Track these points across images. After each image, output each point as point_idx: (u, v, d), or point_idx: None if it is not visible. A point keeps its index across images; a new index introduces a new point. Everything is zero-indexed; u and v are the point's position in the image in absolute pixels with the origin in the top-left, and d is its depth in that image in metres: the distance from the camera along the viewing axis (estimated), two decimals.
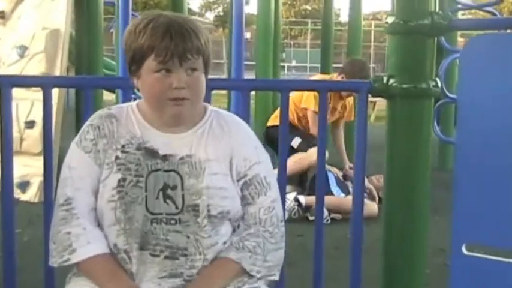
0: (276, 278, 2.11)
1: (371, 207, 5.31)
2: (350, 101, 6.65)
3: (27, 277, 3.37)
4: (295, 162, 5.77)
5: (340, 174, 6.14)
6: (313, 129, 6.07)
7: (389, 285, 2.73)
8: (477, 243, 2.16)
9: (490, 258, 2.11)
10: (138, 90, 2.05)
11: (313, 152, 5.79)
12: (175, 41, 1.91)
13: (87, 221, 2.01)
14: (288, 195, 5.26)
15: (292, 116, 6.10)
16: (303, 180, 6.00)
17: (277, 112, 6.24)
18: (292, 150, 5.82)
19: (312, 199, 5.38)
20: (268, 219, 2.07)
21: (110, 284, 1.94)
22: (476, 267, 2.13)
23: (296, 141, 6.04)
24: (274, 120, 6.13)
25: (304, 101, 6.12)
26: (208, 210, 1.97)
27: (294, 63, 39.49)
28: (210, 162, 2.01)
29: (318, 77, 7.20)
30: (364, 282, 2.75)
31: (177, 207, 1.97)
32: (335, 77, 6.45)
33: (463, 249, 2.15)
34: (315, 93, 5.94)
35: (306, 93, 6.05)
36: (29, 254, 3.47)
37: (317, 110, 6.03)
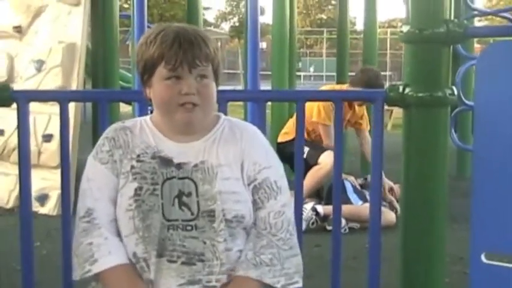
0: (299, 285, 2.10)
1: (388, 216, 5.28)
2: (361, 109, 6.59)
3: None
4: (311, 178, 5.72)
5: (357, 182, 6.10)
6: (327, 142, 6.02)
7: None
8: (496, 251, 2.14)
9: (509, 267, 2.10)
10: (151, 101, 2.07)
11: (325, 162, 5.79)
12: (183, 48, 1.96)
13: (108, 230, 2.04)
14: (305, 205, 5.26)
15: None
16: (319, 190, 5.98)
17: (287, 128, 6.23)
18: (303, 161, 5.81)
19: (329, 208, 5.35)
20: (278, 224, 2.07)
21: None
22: (495, 276, 2.11)
23: (304, 151, 5.91)
24: (284, 136, 6.09)
25: (315, 115, 6.03)
26: (224, 215, 1.99)
27: (311, 72, 39.43)
28: (222, 167, 2.03)
29: (328, 87, 7.16)
30: None
31: (192, 214, 1.99)
32: (346, 87, 6.38)
33: (483, 258, 2.13)
34: (323, 105, 5.95)
35: (315, 107, 5.99)
36: (47, 268, 3.49)
37: (326, 122, 5.99)
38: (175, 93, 1.97)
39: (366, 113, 6.73)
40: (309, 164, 5.70)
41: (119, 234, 2.06)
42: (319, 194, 5.95)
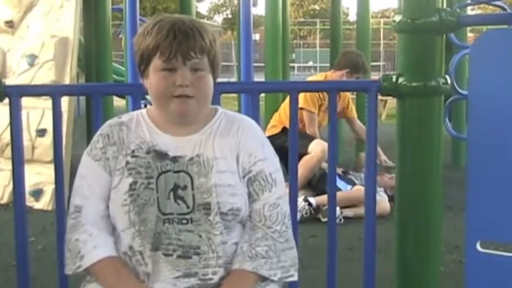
0: (295, 278, 2.11)
1: (382, 204, 5.29)
2: (346, 97, 6.57)
3: (41, 285, 3.39)
4: (303, 167, 5.65)
5: (340, 170, 6.08)
6: (310, 129, 6.05)
7: (403, 284, 2.71)
8: (491, 240, 2.14)
9: (504, 255, 2.10)
10: (147, 90, 2.08)
11: (315, 150, 5.77)
12: (178, 39, 1.96)
13: (94, 227, 2.05)
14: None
15: (286, 119, 6.04)
16: (311, 180, 5.96)
17: (274, 121, 6.21)
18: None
19: (321, 199, 5.39)
20: (273, 216, 2.07)
21: (119, 283, 1.97)
22: (491, 264, 2.11)
23: None
24: (272, 130, 6.06)
25: (301, 101, 6.02)
26: (219, 208, 1.99)
27: (311, 63, 39.33)
28: (218, 160, 2.04)
29: (314, 77, 7.12)
30: (378, 281, 2.73)
31: (188, 207, 1.99)
32: (330, 74, 6.36)
33: (478, 246, 2.13)
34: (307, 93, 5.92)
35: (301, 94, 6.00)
36: (43, 263, 3.49)
37: (311, 109, 5.95)
38: (169, 85, 1.97)
39: (351, 101, 6.73)
40: (299, 154, 5.67)
41: (110, 230, 2.07)
42: (311, 184, 5.95)
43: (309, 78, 6.79)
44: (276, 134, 5.86)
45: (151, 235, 1.99)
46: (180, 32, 1.96)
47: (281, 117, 6.04)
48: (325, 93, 5.93)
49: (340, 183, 5.72)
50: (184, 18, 2.03)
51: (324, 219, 5.16)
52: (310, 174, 5.82)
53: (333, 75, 6.23)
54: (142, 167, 2.02)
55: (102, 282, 2.00)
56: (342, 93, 6.30)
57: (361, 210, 5.34)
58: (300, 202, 5.33)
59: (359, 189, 5.70)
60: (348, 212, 5.39)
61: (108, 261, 2.00)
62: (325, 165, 5.88)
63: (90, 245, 2.01)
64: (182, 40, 1.96)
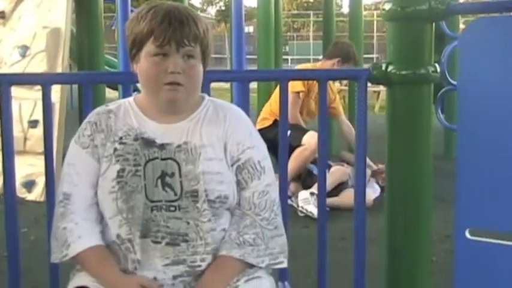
0: (284, 265, 2.12)
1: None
2: (333, 92, 6.51)
3: (33, 277, 3.39)
4: (296, 159, 5.70)
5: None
6: (291, 112, 5.75)
7: (394, 274, 2.72)
8: (480, 228, 2.15)
9: (493, 242, 2.11)
10: (137, 76, 2.07)
11: (309, 142, 5.76)
12: (173, 26, 1.96)
13: (81, 216, 2.05)
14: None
15: (277, 110, 5.98)
16: (301, 173, 5.95)
17: (264, 113, 6.18)
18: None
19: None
20: (262, 203, 2.07)
21: (102, 273, 1.99)
22: (479, 252, 2.12)
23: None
24: (262, 122, 6.02)
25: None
26: (207, 195, 1.99)
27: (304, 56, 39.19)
28: (205, 147, 2.04)
29: (303, 66, 7.08)
30: (369, 271, 2.74)
31: (175, 194, 1.99)
32: (321, 64, 6.34)
33: (467, 234, 2.14)
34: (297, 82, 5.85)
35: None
36: (35, 253, 3.49)
37: (296, 90, 5.87)
38: (161, 71, 1.97)
39: (337, 97, 6.70)
40: (292, 146, 5.63)
41: (97, 218, 2.07)
42: (300, 177, 5.94)
43: (298, 67, 6.73)
44: (268, 126, 5.84)
45: (140, 222, 1.99)
46: (175, 19, 1.96)
47: (272, 109, 6.01)
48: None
49: (314, 170, 5.71)
50: (179, 6, 2.04)
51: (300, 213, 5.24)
52: (301, 167, 5.82)
53: (324, 65, 6.23)
54: (130, 154, 2.02)
55: (88, 271, 2.02)
56: (329, 87, 6.24)
57: (342, 200, 5.41)
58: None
59: (336, 171, 5.72)
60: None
61: (92, 251, 2.01)
62: (309, 165, 5.90)
63: (75, 234, 2.02)
64: (177, 27, 1.96)
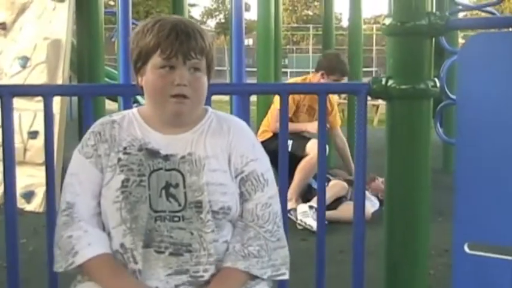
0: (286, 276, 2.13)
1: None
2: (332, 104, 6.46)
3: (32, 287, 3.38)
4: (305, 169, 5.68)
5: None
6: (273, 126, 5.89)
7: (393, 287, 2.73)
8: (479, 241, 2.16)
9: (492, 257, 2.11)
10: (142, 89, 2.09)
11: (314, 151, 5.70)
12: (180, 38, 1.98)
13: (88, 224, 2.05)
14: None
15: (273, 123, 5.92)
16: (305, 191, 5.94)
17: (264, 126, 6.15)
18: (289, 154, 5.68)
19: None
20: (265, 215, 2.09)
21: (113, 281, 1.97)
22: (478, 266, 2.13)
23: (288, 144, 5.66)
24: (263, 135, 5.99)
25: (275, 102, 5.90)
26: (210, 206, 2.00)
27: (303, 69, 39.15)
28: (209, 159, 2.05)
29: (293, 80, 6.99)
30: (368, 284, 2.74)
31: (179, 205, 2.00)
32: (312, 76, 6.25)
33: (465, 248, 2.15)
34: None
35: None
36: (34, 264, 3.49)
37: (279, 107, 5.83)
38: (167, 83, 1.99)
39: (336, 108, 6.66)
40: (296, 156, 5.63)
41: (101, 228, 2.07)
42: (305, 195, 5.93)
43: (290, 81, 6.68)
44: (268, 138, 5.82)
45: (143, 232, 1.99)
46: (182, 32, 1.99)
47: (269, 122, 6.04)
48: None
49: (315, 184, 5.71)
50: (185, 20, 2.07)
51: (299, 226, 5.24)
52: (311, 176, 5.80)
53: (313, 78, 6.17)
54: (134, 164, 2.03)
55: (97, 279, 2.00)
56: (328, 100, 6.21)
57: (341, 213, 5.42)
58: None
59: (335, 185, 5.72)
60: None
61: (103, 258, 2.00)
62: (310, 178, 5.89)
63: (84, 242, 2.01)
64: (184, 40, 1.99)
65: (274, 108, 5.94)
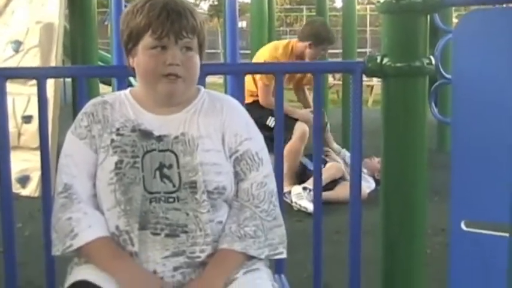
0: (284, 255, 2.13)
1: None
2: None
3: (29, 271, 3.39)
4: (288, 158, 5.47)
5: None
6: (264, 101, 5.76)
7: (389, 266, 2.73)
8: (476, 219, 2.16)
9: (489, 234, 2.12)
10: (133, 70, 2.07)
11: (294, 135, 5.71)
12: (171, 18, 1.97)
13: (87, 205, 2.04)
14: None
15: (254, 91, 5.81)
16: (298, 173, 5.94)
17: (247, 91, 5.98)
18: (270, 130, 5.12)
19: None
20: (261, 195, 2.08)
21: (114, 264, 1.96)
22: (475, 243, 2.14)
23: (271, 121, 5.30)
24: (247, 98, 5.76)
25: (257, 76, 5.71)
26: (205, 186, 2.00)
27: None
28: (203, 138, 2.04)
29: (273, 43, 6.59)
30: (365, 263, 2.74)
31: (174, 185, 2.00)
32: (295, 43, 6.01)
33: (462, 226, 2.15)
34: (266, 57, 5.68)
35: (258, 60, 5.81)
36: (30, 249, 3.49)
37: (265, 82, 5.70)
38: (159, 63, 1.98)
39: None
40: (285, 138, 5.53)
41: (98, 208, 2.05)
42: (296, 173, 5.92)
43: (270, 45, 6.34)
44: (251, 103, 5.42)
45: (138, 214, 1.98)
46: (173, 11, 1.97)
47: (249, 89, 5.70)
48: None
49: (309, 165, 5.73)
50: None
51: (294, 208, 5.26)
52: (298, 160, 5.80)
53: (297, 45, 5.98)
54: (127, 146, 2.02)
55: (96, 261, 1.98)
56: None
57: (337, 194, 5.43)
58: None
59: (331, 167, 5.72)
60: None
61: (104, 240, 1.99)
62: (305, 159, 5.87)
63: (84, 224, 2.00)
64: (175, 19, 1.97)
65: (262, 83, 5.77)
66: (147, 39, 1.99)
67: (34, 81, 2.67)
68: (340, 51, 9.22)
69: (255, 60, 6.05)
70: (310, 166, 5.68)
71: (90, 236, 1.99)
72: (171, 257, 2.00)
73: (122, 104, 2.11)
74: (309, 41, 5.89)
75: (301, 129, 5.71)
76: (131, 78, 2.15)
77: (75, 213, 2.02)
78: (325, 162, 5.79)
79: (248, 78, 5.79)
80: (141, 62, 2.01)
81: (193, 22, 2.00)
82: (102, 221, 2.03)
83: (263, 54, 5.97)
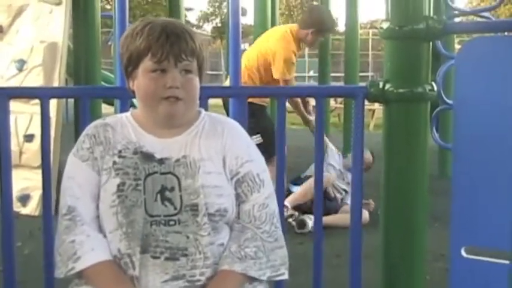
0: (285, 276, 2.11)
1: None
2: (273, 48, 5.79)
3: None
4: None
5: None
6: (281, 74, 5.51)
7: None
8: (476, 245, 2.16)
9: (489, 261, 2.12)
10: (134, 93, 2.07)
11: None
12: (170, 40, 1.97)
13: (91, 228, 2.03)
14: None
15: (253, 82, 5.55)
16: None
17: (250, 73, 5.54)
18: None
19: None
20: (262, 216, 2.08)
21: None
22: (475, 270, 2.13)
23: (257, 139, 5.10)
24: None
25: (278, 72, 5.48)
26: (207, 209, 1.99)
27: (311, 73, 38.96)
28: (204, 161, 2.04)
29: (273, 29, 6.50)
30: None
31: (175, 208, 1.99)
32: (296, 29, 5.78)
33: (462, 252, 2.15)
34: (284, 60, 5.45)
35: (276, 57, 5.55)
36: (30, 268, 3.47)
37: (287, 77, 5.45)
38: (159, 86, 1.98)
39: (278, 56, 5.85)
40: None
41: (101, 231, 2.05)
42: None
43: (278, 35, 5.91)
44: (253, 103, 4.99)
45: (140, 237, 1.97)
46: (172, 34, 1.98)
47: (264, 70, 5.55)
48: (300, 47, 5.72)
49: (294, 188, 5.73)
50: (175, 21, 2.06)
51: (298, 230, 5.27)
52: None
53: (298, 32, 5.78)
54: (130, 168, 2.02)
55: (96, 285, 1.97)
56: (265, 53, 5.70)
57: (336, 219, 5.44)
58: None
59: (307, 183, 5.65)
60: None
61: (106, 264, 1.98)
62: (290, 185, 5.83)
63: (87, 247, 1.98)
64: (174, 42, 1.97)
65: (283, 81, 5.50)
66: (147, 63, 1.99)
67: (37, 100, 2.69)
68: (342, 74, 9.25)
69: (263, 53, 5.69)
70: (293, 189, 5.74)
71: (92, 260, 1.98)
72: (171, 280, 1.98)
73: (124, 126, 2.11)
74: (313, 28, 5.72)
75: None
76: (134, 100, 2.15)
77: (78, 235, 2.01)
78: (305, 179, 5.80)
79: (253, 69, 5.65)
80: (142, 85, 2.02)
81: (192, 45, 2.01)
82: (105, 244, 2.02)
83: (274, 49, 5.65)
